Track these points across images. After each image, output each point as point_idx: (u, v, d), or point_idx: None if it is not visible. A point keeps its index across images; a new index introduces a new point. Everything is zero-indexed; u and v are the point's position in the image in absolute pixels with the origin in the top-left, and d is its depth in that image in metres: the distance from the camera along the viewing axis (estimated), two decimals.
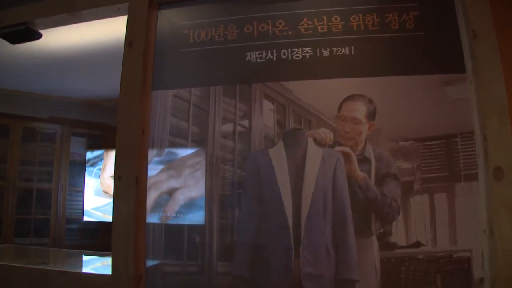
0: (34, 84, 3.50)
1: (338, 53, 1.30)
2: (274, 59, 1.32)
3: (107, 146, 3.84)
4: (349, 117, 1.26)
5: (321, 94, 1.29)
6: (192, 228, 1.30)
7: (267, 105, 1.31)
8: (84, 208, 3.69)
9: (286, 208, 1.21)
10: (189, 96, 1.38)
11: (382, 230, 1.21)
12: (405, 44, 1.28)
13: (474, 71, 1.23)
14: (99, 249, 3.21)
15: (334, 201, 1.22)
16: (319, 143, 1.26)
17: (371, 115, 1.26)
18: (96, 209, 3.61)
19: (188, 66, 1.40)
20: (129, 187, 1.32)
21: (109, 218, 3.58)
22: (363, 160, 1.24)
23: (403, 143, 1.24)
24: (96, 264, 2.10)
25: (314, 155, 1.24)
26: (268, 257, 1.21)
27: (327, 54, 1.30)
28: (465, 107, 1.23)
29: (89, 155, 3.80)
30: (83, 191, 3.73)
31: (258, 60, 1.34)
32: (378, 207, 1.21)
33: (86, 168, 3.77)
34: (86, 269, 1.89)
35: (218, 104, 1.34)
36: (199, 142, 1.34)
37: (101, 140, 4.01)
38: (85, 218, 3.69)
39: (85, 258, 2.25)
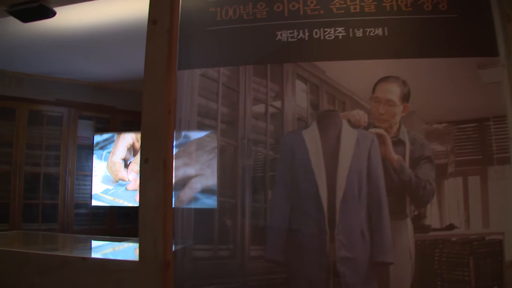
0: (40, 66, 3.40)
1: (371, 33, 1.27)
2: (306, 39, 1.29)
3: (114, 129, 3.76)
4: (384, 99, 1.24)
5: (354, 75, 1.27)
6: (222, 211, 1.28)
7: (300, 85, 1.28)
8: (93, 192, 3.63)
9: (321, 190, 1.19)
10: (217, 75, 1.33)
11: (416, 212, 1.20)
12: (438, 26, 1.26)
13: (507, 54, 1.22)
14: (107, 234, 3.18)
15: (369, 183, 1.20)
16: (353, 124, 1.24)
17: (405, 97, 1.24)
18: (105, 192, 3.54)
19: (215, 44, 1.36)
20: (156, 170, 1.28)
21: (119, 202, 3.52)
22: (398, 143, 1.22)
23: (437, 125, 1.22)
24: (107, 250, 2.07)
25: (348, 136, 1.22)
26: (302, 240, 1.19)
27: (360, 35, 1.27)
28: (498, 90, 1.22)
29: (98, 138, 3.72)
30: (91, 175, 3.67)
31: (290, 40, 1.30)
32: (413, 190, 1.20)
33: (95, 152, 3.68)
34: (95, 255, 1.85)
35: (248, 84, 1.31)
36: (229, 123, 1.31)
37: (108, 123, 3.93)
38: (94, 203, 3.63)
39: (95, 243, 2.21)
